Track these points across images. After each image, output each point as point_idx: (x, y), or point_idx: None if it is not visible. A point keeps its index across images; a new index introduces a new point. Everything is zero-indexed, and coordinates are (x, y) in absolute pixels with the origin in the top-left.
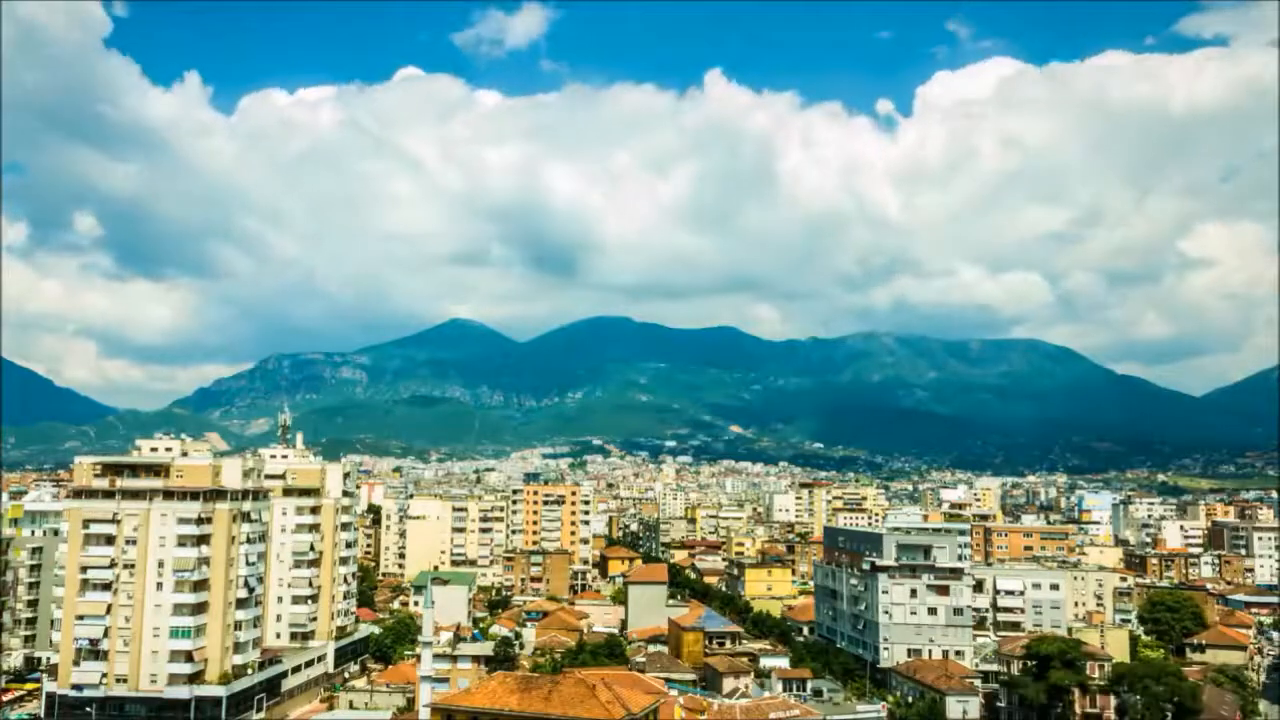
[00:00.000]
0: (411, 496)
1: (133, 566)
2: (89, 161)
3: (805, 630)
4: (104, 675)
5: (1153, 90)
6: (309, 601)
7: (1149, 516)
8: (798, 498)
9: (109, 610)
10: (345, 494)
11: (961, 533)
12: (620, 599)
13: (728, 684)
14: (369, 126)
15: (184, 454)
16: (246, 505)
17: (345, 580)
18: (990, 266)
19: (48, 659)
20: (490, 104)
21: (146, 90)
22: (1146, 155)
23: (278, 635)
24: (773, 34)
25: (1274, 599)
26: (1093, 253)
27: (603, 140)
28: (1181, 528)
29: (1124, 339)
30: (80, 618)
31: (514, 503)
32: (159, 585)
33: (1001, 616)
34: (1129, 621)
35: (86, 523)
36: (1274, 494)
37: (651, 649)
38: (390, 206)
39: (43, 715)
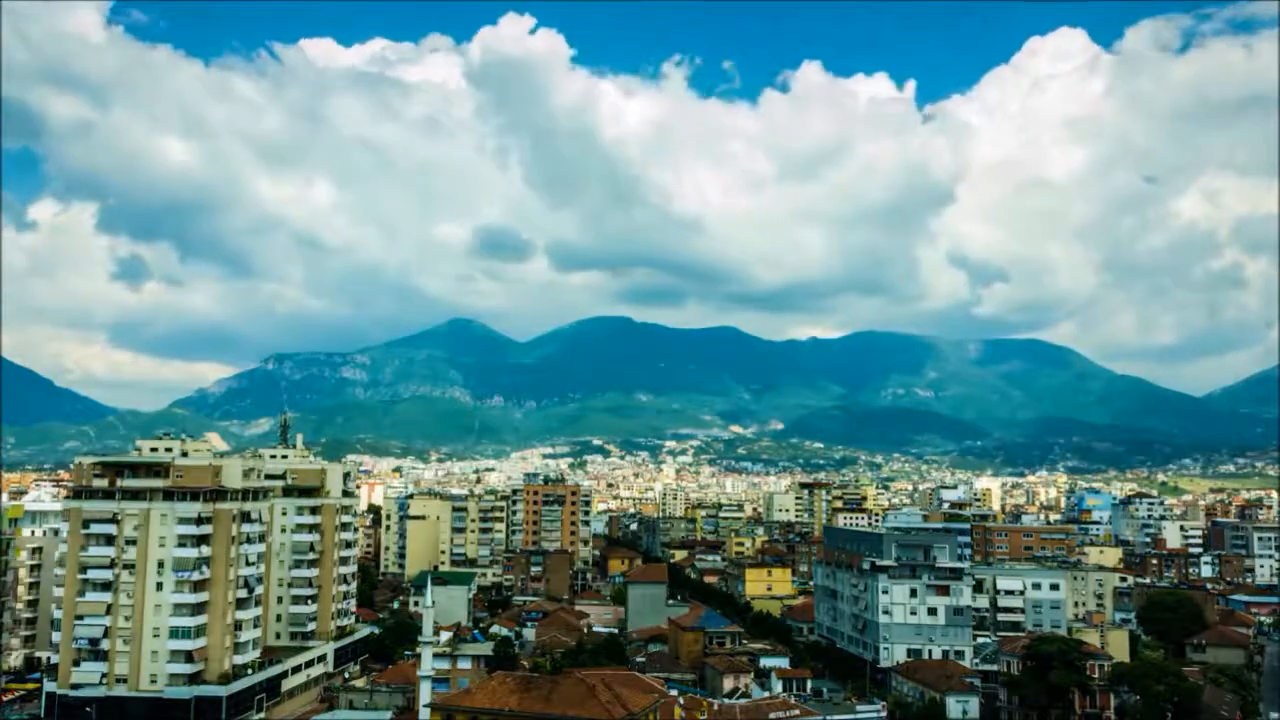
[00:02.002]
0: (411, 496)
1: (133, 566)
2: (90, 150)
3: (805, 630)
4: (104, 675)
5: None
6: (309, 601)
7: (1149, 516)
8: (798, 498)
9: (109, 610)
10: (345, 494)
11: (961, 533)
12: (620, 599)
13: (727, 684)
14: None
15: (184, 454)
16: (247, 505)
17: (345, 580)
18: (993, 265)
19: (48, 659)
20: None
21: (144, 72)
22: (1195, 142)
23: (278, 635)
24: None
25: (1274, 599)
26: (1109, 248)
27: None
28: (1181, 528)
29: (1135, 337)
30: (80, 618)
31: (514, 503)
32: (159, 585)
33: (1001, 616)
34: (1129, 621)
35: (86, 522)
36: (1274, 494)
37: (651, 649)
38: (390, 202)
39: (43, 715)
